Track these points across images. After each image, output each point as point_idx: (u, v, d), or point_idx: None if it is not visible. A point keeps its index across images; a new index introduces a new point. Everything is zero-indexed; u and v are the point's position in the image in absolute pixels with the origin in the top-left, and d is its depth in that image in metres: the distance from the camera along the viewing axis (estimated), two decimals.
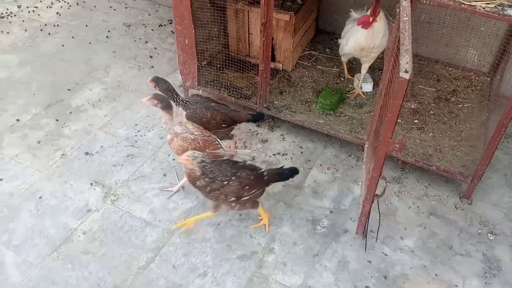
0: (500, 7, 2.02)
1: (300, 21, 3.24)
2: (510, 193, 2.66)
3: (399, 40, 2.02)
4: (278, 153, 2.86)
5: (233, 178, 2.14)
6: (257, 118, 2.77)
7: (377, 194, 2.03)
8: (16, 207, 2.46)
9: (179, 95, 2.53)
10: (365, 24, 2.82)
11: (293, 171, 2.30)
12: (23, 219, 2.40)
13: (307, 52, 3.50)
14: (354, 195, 2.61)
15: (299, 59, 3.43)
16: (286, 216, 2.47)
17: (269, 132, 3.02)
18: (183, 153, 2.16)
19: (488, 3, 2.01)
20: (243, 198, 2.18)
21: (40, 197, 2.51)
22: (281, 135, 3.00)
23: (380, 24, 2.83)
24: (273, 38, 3.11)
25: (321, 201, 2.57)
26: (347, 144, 2.87)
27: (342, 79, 3.25)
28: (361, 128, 2.82)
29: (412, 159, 2.63)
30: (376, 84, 3.15)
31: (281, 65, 3.29)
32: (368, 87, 3.12)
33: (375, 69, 3.29)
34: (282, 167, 2.35)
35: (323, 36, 3.70)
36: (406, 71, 1.73)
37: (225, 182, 2.12)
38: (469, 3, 2.06)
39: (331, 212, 2.51)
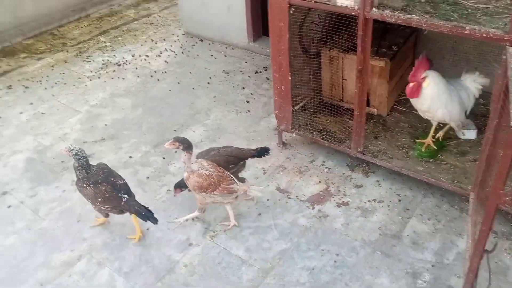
0: None
1: (395, 67, 3.25)
2: None
3: (507, 87, 1.95)
4: (374, 200, 2.82)
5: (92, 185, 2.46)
6: (262, 153, 2.82)
7: (487, 250, 1.91)
8: (126, 237, 2.69)
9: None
10: (409, 94, 2.77)
11: None
12: (132, 248, 2.62)
13: (403, 97, 3.48)
14: (459, 249, 2.47)
15: (394, 104, 3.41)
16: (383, 267, 2.41)
17: (363, 178, 3.00)
18: (199, 190, 2.41)
19: None
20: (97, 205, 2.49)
21: (147, 229, 2.73)
22: (377, 181, 2.96)
23: (428, 89, 2.72)
24: (368, 84, 3.15)
25: (421, 253, 2.46)
26: (449, 193, 2.75)
27: (442, 125, 3.16)
28: (464, 177, 2.70)
29: None
30: (480, 131, 3.01)
31: (375, 110, 3.30)
32: (471, 134, 2.99)
33: (478, 115, 3.16)
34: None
35: None
36: None
37: (85, 185, 2.45)
38: None
39: (433, 266, 2.40)
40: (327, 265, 2.43)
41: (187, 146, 2.52)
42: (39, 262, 2.57)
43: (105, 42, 5.26)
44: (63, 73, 4.60)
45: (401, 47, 3.30)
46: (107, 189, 2.50)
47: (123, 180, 2.65)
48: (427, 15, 2.40)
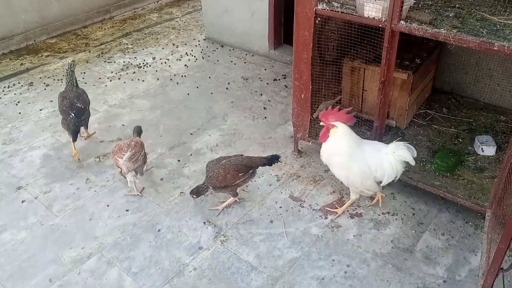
0: None
1: (417, 80, 3.21)
2: None
3: None
4: (388, 213, 2.78)
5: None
6: (272, 161, 2.82)
7: (502, 268, 1.86)
8: (137, 236, 2.70)
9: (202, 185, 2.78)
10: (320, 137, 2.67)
11: None
12: (142, 249, 2.62)
13: (422, 111, 3.43)
14: (471, 266, 2.40)
15: (413, 117, 3.37)
16: (394, 280, 2.36)
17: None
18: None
19: None
20: None
21: (158, 230, 2.73)
22: (392, 193, 2.92)
23: (332, 139, 2.55)
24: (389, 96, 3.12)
25: (433, 268, 2.41)
26: (464, 210, 2.69)
27: (461, 140, 3.10)
28: (481, 194, 2.63)
29: None
30: (499, 148, 2.94)
31: (394, 122, 3.26)
32: (490, 150, 2.93)
33: (498, 132, 3.09)
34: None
35: (440, 96, 3.61)
36: None
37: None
38: None
39: (444, 281, 2.34)
40: (337, 275, 2.39)
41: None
42: (49, 258, 2.59)
43: (127, 44, 5.33)
44: (84, 73, 4.67)
45: (424, 61, 3.25)
46: (65, 104, 3.27)
47: (84, 105, 3.34)
48: (455, 29, 2.36)
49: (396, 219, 2.73)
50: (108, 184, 3.12)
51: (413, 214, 2.75)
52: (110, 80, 4.49)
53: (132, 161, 2.82)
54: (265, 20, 4.59)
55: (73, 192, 3.06)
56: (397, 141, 2.60)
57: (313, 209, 2.84)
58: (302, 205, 2.88)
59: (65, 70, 3.40)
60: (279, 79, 4.39)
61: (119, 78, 4.53)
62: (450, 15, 2.55)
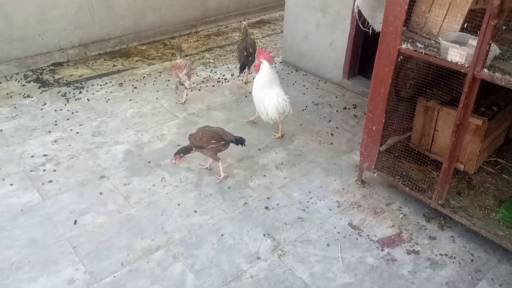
0: None
1: (492, 127, 3.20)
2: None
3: None
4: (446, 255, 2.79)
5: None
6: (239, 142, 3.42)
7: None
8: (202, 237, 2.92)
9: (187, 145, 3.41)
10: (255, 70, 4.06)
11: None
12: (205, 249, 2.83)
13: (493, 159, 3.40)
14: None
15: (483, 164, 3.35)
16: None
17: (438, 230, 2.97)
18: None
19: None
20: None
21: (222, 234, 2.93)
22: (452, 236, 2.92)
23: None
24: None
25: None
26: None
27: None
28: None
29: None
30: None
31: (463, 166, 3.26)
32: None
33: None
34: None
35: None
36: None
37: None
38: None
39: None
40: None
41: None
42: (122, 244, 2.87)
43: (209, 58, 5.71)
44: (168, 80, 5.06)
45: (501, 109, 3.25)
46: (242, 46, 4.84)
47: (252, 50, 4.81)
48: None
49: (453, 262, 2.73)
50: (181, 185, 3.39)
51: (472, 260, 2.74)
52: (191, 90, 4.83)
53: (187, 75, 4.36)
54: (342, 49, 4.75)
55: (149, 188, 3.36)
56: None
57: (371, 240, 2.91)
58: (360, 234, 2.96)
59: (242, 29, 4.89)
60: (349, 108, 4.51)
61: (199, 89, 4.87)
62: None
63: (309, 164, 3.68)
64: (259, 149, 3.86)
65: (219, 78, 5.13)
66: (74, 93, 4.73)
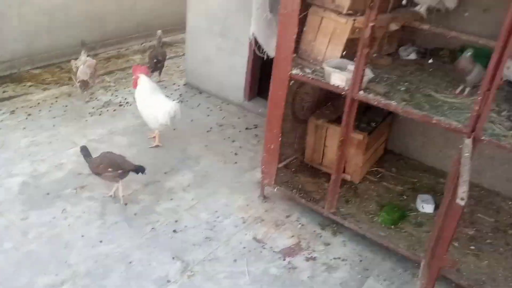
0: None
1: (371, 141, 3.65)
2: None
3: (458, 172, 2.33)
4: (339, 258, 3.12)
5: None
6: (139, 171, 3.41)
7: None
8: (109, 267, 2.90)
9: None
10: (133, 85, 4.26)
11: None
12: (113, 278, 2.82)
13: (374, 169, 3.87)
14: None
15: (366, 174, 3.79)
16: None
17: (332, 237, 3.31)
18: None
19: None
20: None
21: (130, 262, 2.95)
22: (343, 241, 3.27)
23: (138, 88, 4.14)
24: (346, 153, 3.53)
25: None
26: (404, 259, 3.06)
27: (405, 197, 3.53)
28: (419, 245, 3.02)
29: (466, 283, 2.76)
30: (437, 207, 3.38)
31: (349, 176, 3.66)
32: (429, 208, 3.36)
33: (438, 193, 3.54)
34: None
35: (391, 156, 4.08)
36: (462, 199, 2.02)
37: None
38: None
39: None
40: None
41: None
42: (23, 283, 2.74)
43: (109, 82, 5.63)
44: (66, 106, 4.90)
45: (378, 125, 3.72)
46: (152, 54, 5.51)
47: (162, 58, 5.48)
48: (403, 102, 2.80)
49: (345, 264, 3.07)
50: (84, 215, 3.33)
51: (360, 261, 3.10)
52: (91, 115, 4.74)
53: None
54: (242, 73, 5.02)
55: (49, 221, 3.25)
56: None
57: (274, 251, 3.14)
58: (264, 246, 3.18)
59: (157, 38, 5.48)
60: (251, 128, 4.78)
61: (99, 114, 4.80)
62: (402, 89, 3.01)
63: (215, 184, 3.84)
64: (165, 173, 3.92)
65: (120, 102, 5.09)
66: None
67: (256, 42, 3.87)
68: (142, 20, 7.05)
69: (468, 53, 2.79)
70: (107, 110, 4.90)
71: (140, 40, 7.08)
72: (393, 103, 2.79)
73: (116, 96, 5.25)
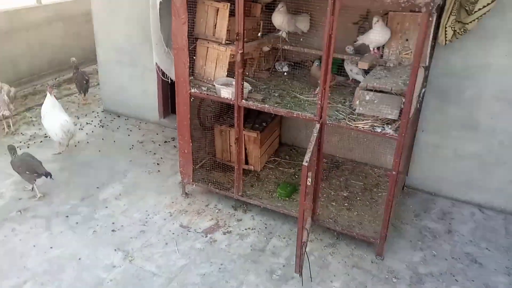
0: (371, 127, 3.36)
1: (264, 137, 4.60)
2: (411, 253, 3.76)
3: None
4: (249, 228, 3.99)
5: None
6: (47, 175, 4.21)
7: (304, 242, 3.14)
8: (63, 264, 3.50)
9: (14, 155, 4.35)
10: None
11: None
12: (68, 272, 3.42)
13: (272, 158, 4.83)
14: None
15: (266, 163, 4.73)
16: (252, 269, 3.52)
17: (243, 214, 4.18)
18: None
19: (364, 125, 3.36)
20: None
21: (79, 258, 3.57)
22: (252, 216, 4.16)
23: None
24: (246, 148, 4.45)
25: (277, 258, 3.64)
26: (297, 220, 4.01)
27: (296, 176, 4.51)
28: None
29: (340, 229, 3.77)
30: None
31: (252, 167, 4.57)
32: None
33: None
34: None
35: (285, 147, 5.08)
36: (306, 161, 2.99)
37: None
38: (354, 125, 3.40)
39: (283, 266, 3.57)
40: (214, 271, 3.48)
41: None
42: None
43: (31, 117, 6.07)
44: None
45: (268, 124, 4.69)
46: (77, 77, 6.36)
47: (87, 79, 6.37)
48: (276, 104, 3.77)
49: (254, 232, 3.95)
50: (32, 230, 3.87)
51: (266, 228, 4.00)
52: (20, 148, 5.18)
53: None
54: (154, 95, 5.78)
55: (1, 239, 3.74)
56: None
57: (197, 232, 3.93)
58: (189, 230, 3.95)
59: (73, 64, 6.41)
60: (169, 141, 5.54)
61: (28, 147, 5.26)
62: (276, 94, 3.99)
63: (143, 191, 4.54)
64: (97, 187, 4.54)
65: (45, 134, 5.57)
66: None
67: (160, 69, 4.64)
68: (54, 57, 7.52)
69: (316, 63, 3.84)
70: (34, 143, 5.38)
71: (54, 75, 7.53)
72: (267, 106, 3.73)
73: (40, 129, 5.71)
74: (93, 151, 5.24)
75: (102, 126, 5.86)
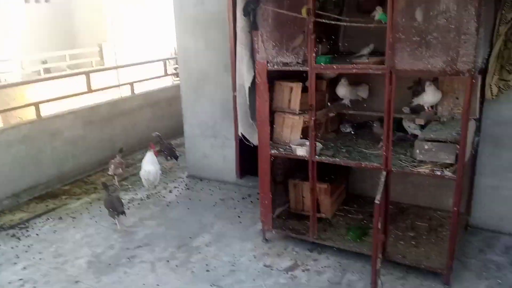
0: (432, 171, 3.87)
1: (334, 188, 5.16)
2: (477, 281, 4.02)
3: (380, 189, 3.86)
4: (325, 266, 4.45)
5: None
6: (122, 213, 5.55)
7: (378, 269, 3.58)
8: None
9: None
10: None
11: None
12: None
13: (341, 207, 5.36)
14: None
15: (336, 212, 5.25)
16: None
17: (318, 255, 4.64)
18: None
19: (425, 169, 3.88)
20: None
21: None
22: (326, 256, 4.62)
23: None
24: (318, 199, 5.03)
25: None
26: (369, 258, 4.41)
27: (365, 221, 4.98)
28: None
29: (409, 262, 4.15)
30: None
31: (324, 214, 5.11)
32: None
33: None
34: None
35: (352, 197, 5.60)
36: (377, 200, 3.53)
37: None
38: (416, 170, 3.93)
39: None
40: None
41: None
42: None
43: (127, 185, 7.10)
44: (100, 207, 6.28)
45: (337, 176, 5.28)
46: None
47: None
48: (344, 158, 4.41)
49: (329, 268, 4.40)
50: (140, 272, 4.60)
51: (340, 265, 4.43)
52: (127, 209, 6.13)
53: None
54: (233, 160, 6.65)
55: (117, 280, 4.49)
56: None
57: (279, 270, 4.45)
58: (272, 269, 4.49)
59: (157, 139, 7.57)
60: (246, 198, 6.25)
61: (128, 208, 6.18)
62: (343, 150, 4.63)
63: (228, 239, 5.19)
64: (190, 237, 5.27)
65: (141, 197, 6.52)
66: (22, 232, 5.66)
67: (244, 137, 5.48)
68: (143, 136, 8.76)
69: (375, 124, 4.51)
70: (133, 205, 6.31)
71: (142, 150, 8.72)
72: (337, 159, 4.38)
73: (136, 194, 6.69)
74: (182, 209, 6.06)
75: (188, 189, 6.74)
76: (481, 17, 3.41)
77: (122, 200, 5.72)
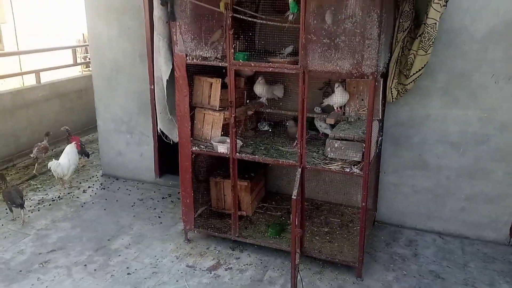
0: (342, 168, 4.21)
1: (253, 186, 5.36)
2: (386, 273, 4.47)
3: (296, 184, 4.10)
4: (247, 264, 4.62)
5: None
6: (20, 205, 5.41)
7: (297, 264, 3.82)
8: None
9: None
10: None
11: None
12: None
13: (261, 204, 5.56)
14: None
15: (256, 209, 5.45)
16: None
17: (240, 253, 4.81)
18: None
19: (336, 166, 4.21)
20: None
21: None
22: (248, 254, 4.79)
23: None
24: (239, 196, 5.17)
25: (274, 286, 4.26)
26: (289, 254, 4.68)
27: (283, 218, 5.24)
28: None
29: (324, 257, 4.47)
30: None
31: (244, 212, 5.27)
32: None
33: None
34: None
35: (270, 194, 5.84)
36: (294, 196, 3.76)
37: None
38: (328, 167, 4.24)
39: None
40: None
41: None
42: None
43: (36, 185, 6.63)
44: (6, 209, 5.80)
45: (256, 174, 5.48)
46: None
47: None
48: (263, 155, 4.59)
49: (251, 266, 4.57)
50: (56, 278, 4.37)
51: (261, 262, 4.63)
52: (32, 212, 5.72)
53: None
54: (151, 158, 6.52)
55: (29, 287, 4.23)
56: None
57: (202, 270, 4.52)
58: (195, 269, 4.54)
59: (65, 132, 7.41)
60: (166, 197, 6.20)
61: (38, 210, 5.80)
62: (262, 148, 4.82)
63: (149, 240, 5.12)
64: (108, 240, 5.10)
65: (53, 198, 6.14)
66: None
67: (163, 133, 5.41)
68: (51, 130, 8.19)
69: (288, 124, 4.76)
70: (44, 206, 5.92)
71: (51, 147, 8.16)
72: (257, 156, 4.54)
73: (47, 194, 6.28)
74: (98, 210, 5.83)
75: (103, 188, 6.48)
76: (382, 24, 3.70)
77: (22, 191, 5.66)
